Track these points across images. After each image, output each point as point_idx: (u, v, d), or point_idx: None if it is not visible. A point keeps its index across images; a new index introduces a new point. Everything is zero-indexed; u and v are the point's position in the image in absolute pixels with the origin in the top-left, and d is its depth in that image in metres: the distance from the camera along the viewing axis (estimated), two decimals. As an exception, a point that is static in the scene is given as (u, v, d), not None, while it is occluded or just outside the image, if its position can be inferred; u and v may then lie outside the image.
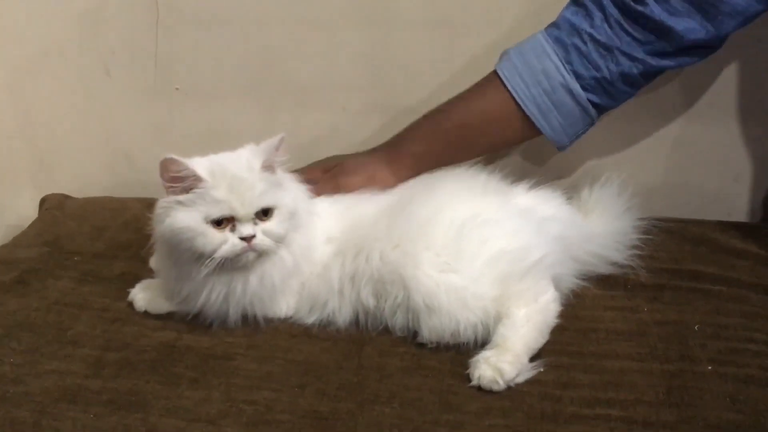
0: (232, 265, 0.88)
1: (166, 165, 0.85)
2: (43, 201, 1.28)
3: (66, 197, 1.29)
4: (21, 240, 1.17)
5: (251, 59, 1.21)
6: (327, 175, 1.03)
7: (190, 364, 0.87)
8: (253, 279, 0.90)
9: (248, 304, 0.92)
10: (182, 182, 0.86)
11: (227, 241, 0.86)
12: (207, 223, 0.85)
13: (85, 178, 1.33)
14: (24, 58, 1.26)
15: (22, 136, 1.31)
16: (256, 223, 0.87)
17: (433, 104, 1.12)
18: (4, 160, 1.30)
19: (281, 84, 1.22)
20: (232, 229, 0.87)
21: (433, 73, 1.17)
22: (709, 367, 0.84)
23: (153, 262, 1.05)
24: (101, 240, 1.16)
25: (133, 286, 1.00)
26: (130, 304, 0.98)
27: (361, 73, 1.20)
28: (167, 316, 0.96)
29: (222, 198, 0.85)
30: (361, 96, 1.21)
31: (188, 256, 0.87)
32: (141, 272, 1.04)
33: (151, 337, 0.92)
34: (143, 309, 0.97)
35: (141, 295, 0.98)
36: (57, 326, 0.94)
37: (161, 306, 0.97)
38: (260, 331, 0.93)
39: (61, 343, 0.91)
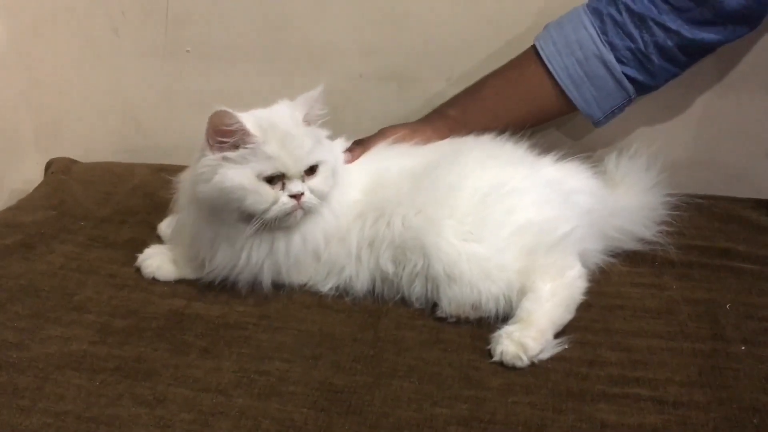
0: (279, 224, 0.85)
1: (218, 117, 0.80)
2: (48, 165, 1.25)
3: (72, 161, 1.26)
4: (26, 203, 1.14)
5: (265, 21, 1.17)
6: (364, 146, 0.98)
7: (199, 333, 0.85)
8: (297, 239, 0.87)
9: (287, 266, 0.89)
10: (231, 137, 0.82)
11: (279, 200, 0.83)
12: (260, 180, 0.82)
13: (92, 142, 1.30)
14: (30, 18, 1.22)
15: (28, 98, 1.28)
16: (303, 180, 0.84)
17: (453, 73, 1.07)
18: (9, 122, 1.27)
19: (296, 47, 1.18)
20: (282, 187, 0.84)
21: (455, 41, 1.13)
22: (743, 348, 0.81)
23: (162, 229, 1.03)
24: (108, 205, 1.13)
25: (140, 251, 0.97)
26: (138, 270, 0.95)
27: (379, 39, 1.16)
28: (176, 283, 0.94)
29: (274, 154, 0.82)
30: (379, 63, 1.17)
31: (235, 217, 0.84)
32: (149, 238, 1.02)
33: (160, 305, 0.89)
34: (151, 275, 0.94)
35: (149, 261, 0.95)
36: (62, 291, 0.92)
37: (170, 272, 0.94)
38: (272, 301, 0.90)
39: (66, 308, 0.89)
